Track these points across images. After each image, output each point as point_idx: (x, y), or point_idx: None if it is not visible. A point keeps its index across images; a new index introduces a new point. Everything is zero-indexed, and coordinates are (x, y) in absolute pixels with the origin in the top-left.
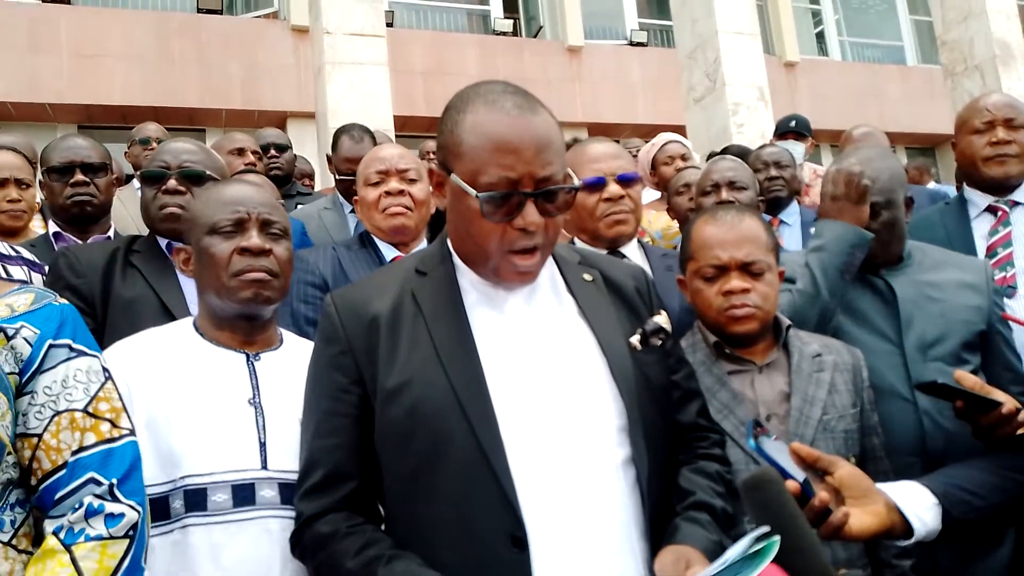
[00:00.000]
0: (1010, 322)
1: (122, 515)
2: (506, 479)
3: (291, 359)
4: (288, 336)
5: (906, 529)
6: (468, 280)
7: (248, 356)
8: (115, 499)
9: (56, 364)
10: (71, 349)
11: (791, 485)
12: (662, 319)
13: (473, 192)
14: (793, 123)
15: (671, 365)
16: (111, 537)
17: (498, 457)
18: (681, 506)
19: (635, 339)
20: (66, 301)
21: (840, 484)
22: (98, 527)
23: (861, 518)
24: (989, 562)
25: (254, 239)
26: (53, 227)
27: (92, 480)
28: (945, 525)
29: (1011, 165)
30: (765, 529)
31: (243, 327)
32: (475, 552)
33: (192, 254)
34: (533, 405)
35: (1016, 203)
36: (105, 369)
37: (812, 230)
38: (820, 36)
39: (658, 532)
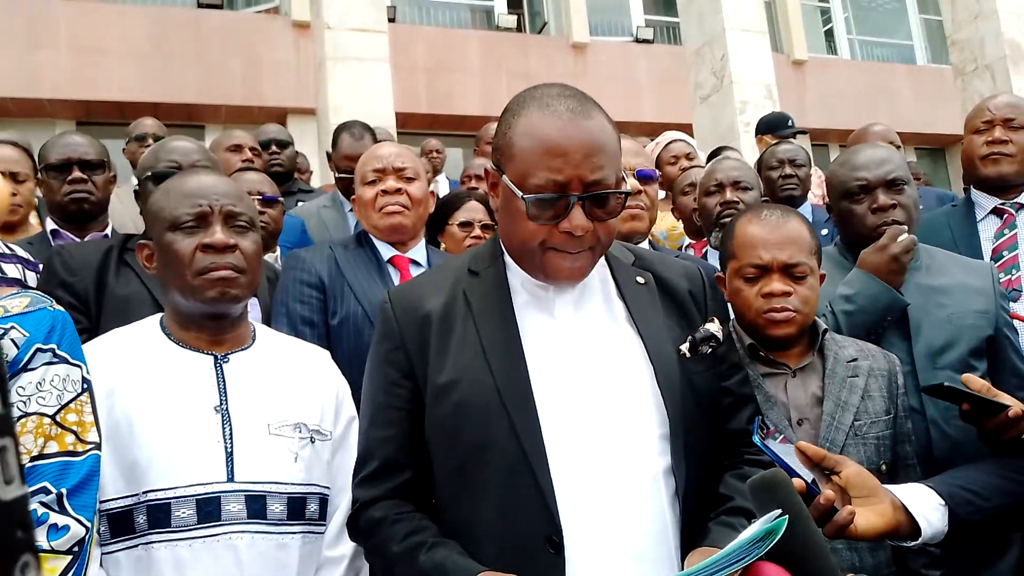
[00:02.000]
0: (1016, 324)
1: (67, 528)
2: (545, 482)
3: (263, 358)
4: (262, 332)
5: (913, 530)
6: (519, 281)
7: (216, 358)
8: (63, 510)
9: (36, 367)
10: (54, 354)
11: (797, 483)
12: (714, 326)
13: (520, 194)
14: (790, 121)
15: (723, 371)
16: (52, 551)
17: (539, 460)
18: (717, 511)
19: (684, 347)
20: (61, 308)
21: (846, 483)
22: (39, 539)
23: (868, 517)
24: (995, 569)
25: (218, 235)
26: (51, 224)
27: (43, 489)
28: (951, 527)
29: (1004, 164)
30: (777, 512)
31: (211, 326)
32: (512, 550)
33: (154, 250)
34: (576, 410)
35: (1022, 206)
36: (85, 380)
37: (824, 231)
38: (829, 34)
39: (694, 544)
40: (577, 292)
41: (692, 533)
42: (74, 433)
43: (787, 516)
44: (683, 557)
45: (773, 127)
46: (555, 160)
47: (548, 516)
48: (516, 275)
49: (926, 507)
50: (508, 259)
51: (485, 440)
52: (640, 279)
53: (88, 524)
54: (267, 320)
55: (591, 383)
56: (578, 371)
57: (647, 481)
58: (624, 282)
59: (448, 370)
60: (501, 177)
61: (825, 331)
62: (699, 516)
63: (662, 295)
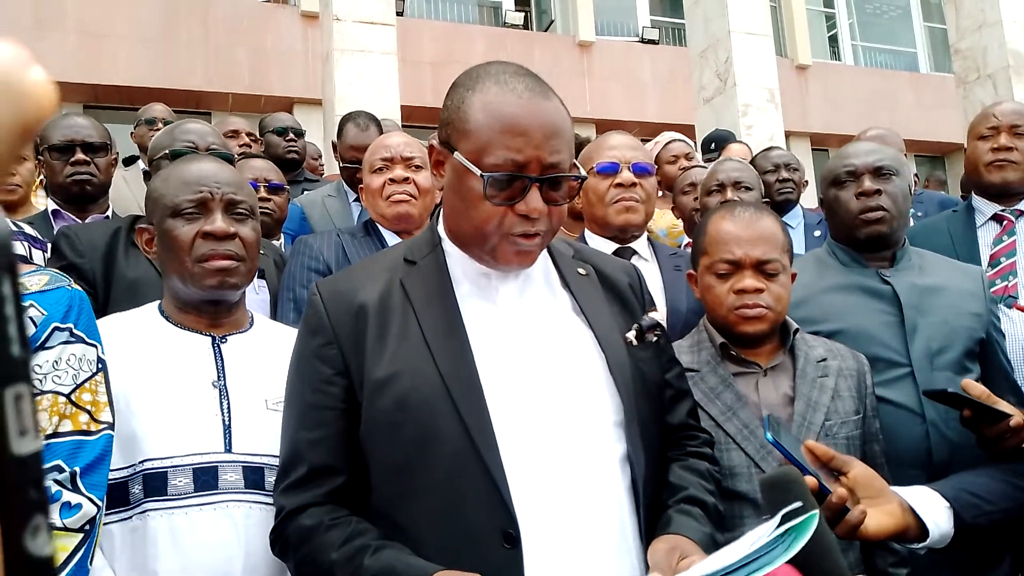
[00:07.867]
0: (1006, 325)
1: (79, 506)
2: (498, 474)
3: (260, 341)
4: (259, 318)
5: (920, 532)
6: (460, 269)
7: (214, 339)
8: (76, 489)
9: (53, 346)
10: (71, 334)
11: (810, 481)
12: (658, 315)
13: (478, 172)
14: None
15: (663, 363)
16: (64, 528)
17: (490, 451)
18: (673, 500)
19: (631, 334)
20: (79, 287)
21: (854, 484)
22: (51, 516)
23: (878, 518)
24: None
25: (218, 223)
26: (51, 204)
27: (57, 467)
28: (957, 530)
29: (1009, 171)
30: (796, 505)
31: (209, 311)
32: (465, 549)
33: (155, 235)
34: (527, 398)
35: (1022, 213)
36: (100, 360)
37: (816, 233)
38: (833, 40)
39: (652, 530)
40: (520, 280)
41: (651, 522)
42: (88, 412)
43: (817, 511)
44: (645, 545)
45: (711, 144)
46: (516, 139)
47: (502, 509)
48: (456, 263)
49: (933, 509)
50: (448, 247)
51: (431, 434)
52: (582, 270)
53: (99, 503)
54: (275, 304)
55: (540, 370)
56: (526, 359)
57: (604, 469)
58: (567, 273)
59: (387, 363)
60: (452, 154)
61: (796, 330)
62: (654, 504)
63: (604, 286)
